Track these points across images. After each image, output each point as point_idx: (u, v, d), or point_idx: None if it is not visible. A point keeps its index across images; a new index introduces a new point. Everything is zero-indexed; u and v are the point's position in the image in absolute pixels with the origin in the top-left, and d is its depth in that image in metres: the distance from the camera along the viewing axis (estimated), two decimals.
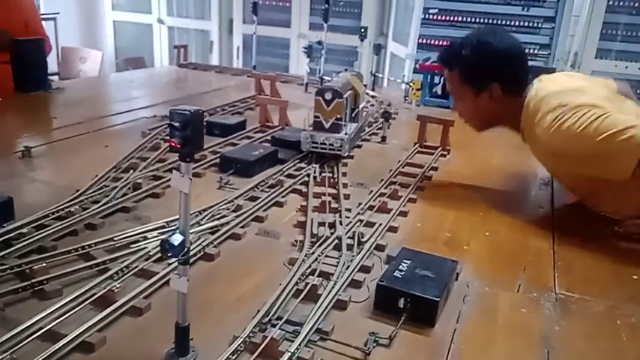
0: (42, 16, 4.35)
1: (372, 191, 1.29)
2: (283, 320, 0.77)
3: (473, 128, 1.38)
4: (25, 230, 0.96)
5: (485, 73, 1.27)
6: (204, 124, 1.54)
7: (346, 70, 1.79)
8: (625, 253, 1.12)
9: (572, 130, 1.09)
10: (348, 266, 0.93)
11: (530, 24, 3.27)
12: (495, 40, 1.26)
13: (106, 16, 4.90)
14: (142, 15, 4.75)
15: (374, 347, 0.74)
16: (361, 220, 1.13)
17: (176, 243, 0.63)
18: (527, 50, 3.22)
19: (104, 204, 1.11)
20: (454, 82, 1.32)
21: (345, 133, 1.50)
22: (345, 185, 1.33)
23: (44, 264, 0.86)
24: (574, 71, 3.08)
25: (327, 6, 2.42)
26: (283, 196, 1.25)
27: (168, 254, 0.64)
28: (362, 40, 2.41)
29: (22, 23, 2.12)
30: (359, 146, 1.71)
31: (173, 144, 0.61)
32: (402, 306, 0.81)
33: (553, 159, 1.25)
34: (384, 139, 1.79)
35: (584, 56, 3.07)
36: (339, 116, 1.47)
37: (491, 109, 1.29)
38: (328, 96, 1.47)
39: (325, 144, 1.47)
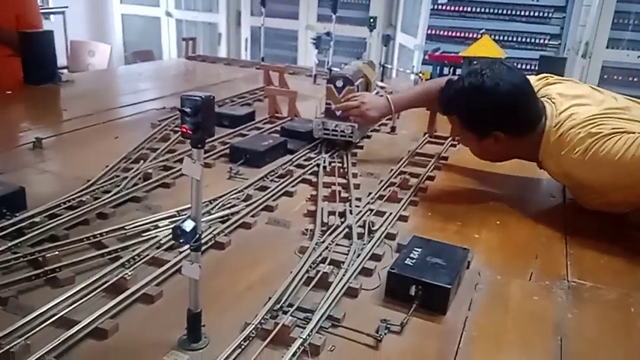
0: (51, 10, 4.42)
1: (382, 181, 1.29)
2: (294, 307, 0.77)
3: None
4: (37, 219, 0.97)
5: (485, 122, 1.19)
6: None
7: (358, 59, 1.78)
8: (638, 241, 1.11)
9: (608, 159, 1.04)
10: (359, 254, 0.93)
11: (541, 13, 3.25)
12: (491, 83, 1.13)
13: (115, 10, 4.92)
14: (150, 8, 4.76)
15: (385, 334, 0.74)
16: (371, 210, 1.12)
17: (188, 229, 0.63)
18: (537, 40, 3.25)
19: (115, 194, 1.11)
20: (456, 126, 1.27)
21: None
22: (354, 175, 1.32)
23: (57, 252, 0.86)
24: (584, 62, 3.05)
25: None
26: (293, 186, 1.25)
27: (181, 240, 0.64)
28: (371, 31, 2.39)
29: (11, 17, 2.08)
30: (368, 136, 1.70)
31: (184, 130, 0.61)
32: (413, 293, 0.81)
33: (583, 191, 1.18)
34: (393, 129, 1.78)
35: (595, 46, 3.04)
36: None
37: (498, 150, 1.23)
38: (339, 83, 1.47)
39: (337, 131, 1.47)
